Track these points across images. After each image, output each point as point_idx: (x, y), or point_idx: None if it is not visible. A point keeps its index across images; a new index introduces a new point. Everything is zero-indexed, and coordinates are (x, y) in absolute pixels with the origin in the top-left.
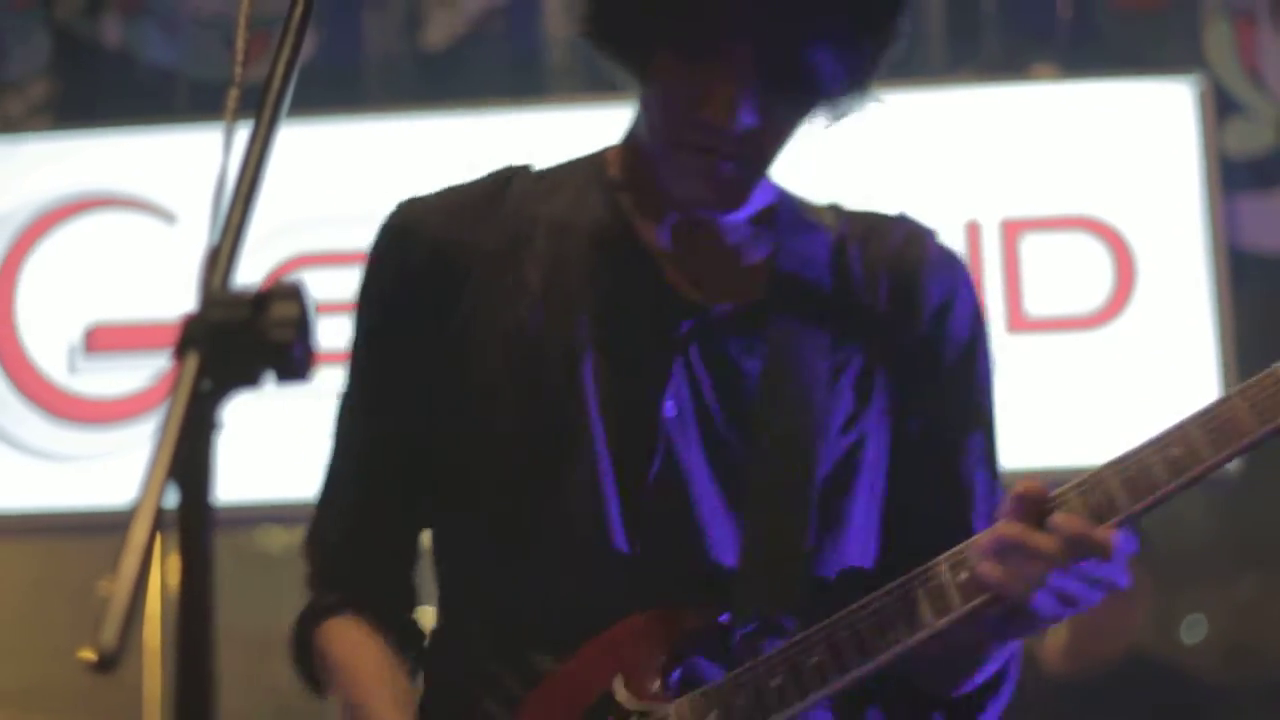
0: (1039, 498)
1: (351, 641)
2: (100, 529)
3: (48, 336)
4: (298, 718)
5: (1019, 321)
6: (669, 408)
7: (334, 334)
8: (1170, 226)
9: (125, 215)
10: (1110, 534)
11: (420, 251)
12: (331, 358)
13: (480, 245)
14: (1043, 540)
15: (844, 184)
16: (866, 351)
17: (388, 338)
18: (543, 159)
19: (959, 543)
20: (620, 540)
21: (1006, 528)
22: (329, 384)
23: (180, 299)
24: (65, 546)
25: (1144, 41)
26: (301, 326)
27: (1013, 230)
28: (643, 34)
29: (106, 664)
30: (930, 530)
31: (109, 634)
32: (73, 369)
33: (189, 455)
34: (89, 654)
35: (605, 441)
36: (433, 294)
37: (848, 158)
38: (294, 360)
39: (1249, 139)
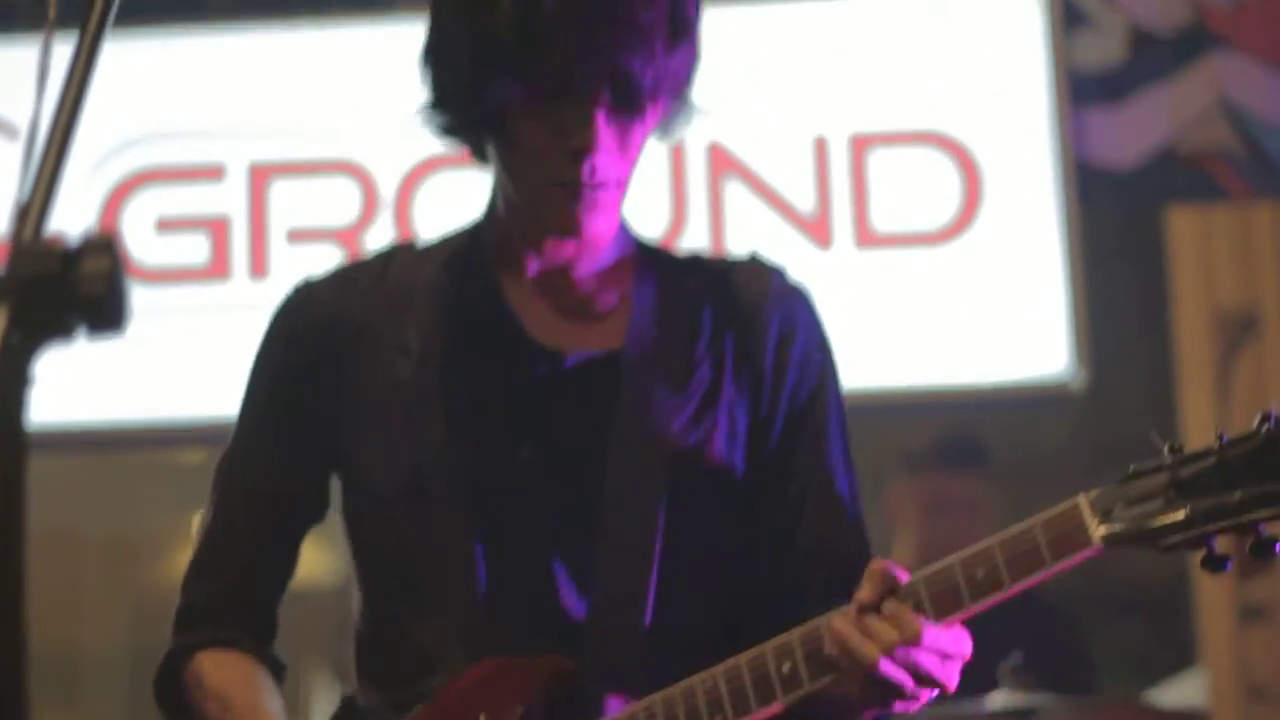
0: (886, 584)
1: (227, 670)
2: None
3: None
4: None
5: (867, 237)
6: (524, 454)
7: (182, 250)
8: (1018, 141)
9: None
10: (920, 625)
11: (314, 324)
12: (186, 274)
13: (367, 314)
14: (876, 624)
15: (698, 102)
16: (716, 395)
17: (285, 401)
18: (388, 73)
19: (806, 581)
20: (482, 584)
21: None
22: (226, 298)
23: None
24: None
25: None
26: (113, 279)
27: (860, 145)
28: (491, 104)
29: None
30: (776, 570)
31: None
32: None
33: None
34: None
35: (470, 489)
36: (326, 361)
37: (702, 74)
38: (106, 313)
39: (1097, 51)
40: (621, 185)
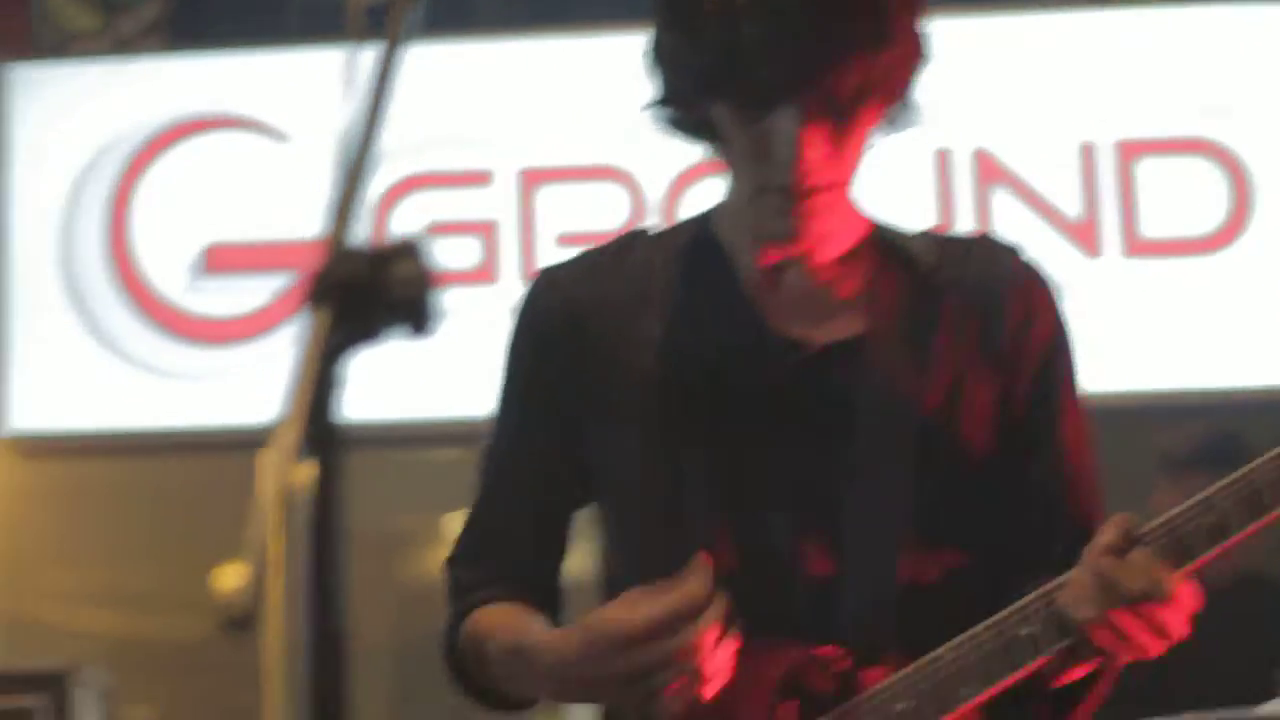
0: (1127, 532)
1: (500, 610)
2: (218, 447)
3: (164, 256)
4: None
5: (1134, 245)
6: (770, 441)
7: (452, 254)
8: None
9: (237, 135)
10: (1176, 580)
11: (556, 313)
12: (456, 277)
13: (608, 302)
14: (1123, 574)
15: (964, 109)
16: (960, 375)
17: (534, 391)
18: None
19: (1044, 551)
20: (733, 564)
21: (1096, 563)
22: (495, 300)
23: (293, 219)
24: (182, 463)
25: None
26: (425, 283)
27: (1128, 152)
28: (705, 108)
29: (238, 626)
30: (1017, 542)
31: (243, 602)
32: (191, 288)
33: (317, 410)
34: (224, 610)
35: (717, 476)
36: (569, 349)
37: (968, 81)
38: (418, 316)
39: None
40: (838, 187)
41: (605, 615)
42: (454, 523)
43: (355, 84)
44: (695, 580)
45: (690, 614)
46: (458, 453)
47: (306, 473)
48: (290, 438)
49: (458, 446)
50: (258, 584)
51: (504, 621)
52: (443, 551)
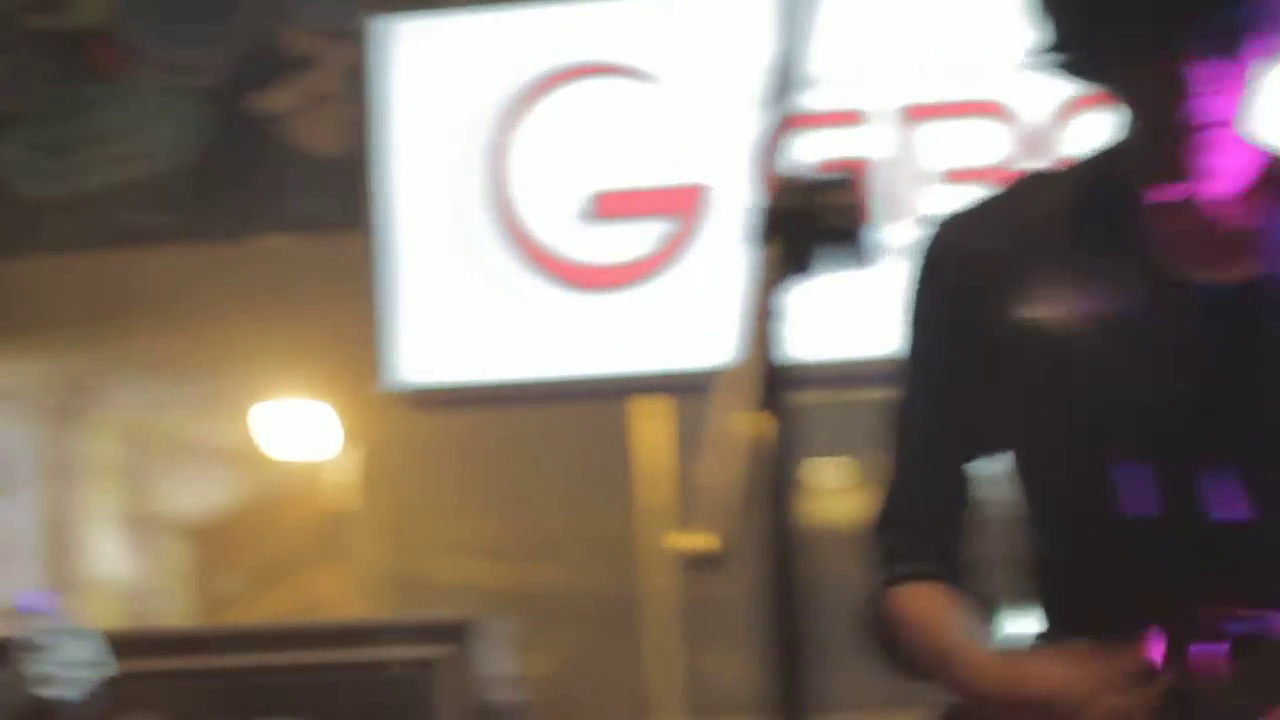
0: None
1: (926, 598)
2: (607, 394)
3: (545, 204)
4: None
5: None
6: (1169, 382)
7: None
8: None
9: (608, 82)
10: None
11: (949, 266)
12: None
13: (1001, 250)
14: None
15: None
16: None
17: (936, 340)
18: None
19: None
20: (1138, 507)
21: None
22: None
23: (666, 164)
24: (572, 411)
25: None
26: (859, 214)
27: None
28: (1091, 50)
29: (712, 562)
30: None
31: (720, 541)
32: (577, 235)
33: (771, 348)
34: (699, 546)
35: (1118, 416)
36: (968, 296)
37: None
38: (856, 247)
39: None
40: (1229, 123)
41: (1030, 672)
42: (820, 469)
43: (776, 23)
44: (1130, 659)
45: (1117, 688)
46: (824, 395)
47: (763, 415)
48: (747, 378)
49: (824, 389)
50: (724, 525)
51: (930, 614)
52: (808, 498)
